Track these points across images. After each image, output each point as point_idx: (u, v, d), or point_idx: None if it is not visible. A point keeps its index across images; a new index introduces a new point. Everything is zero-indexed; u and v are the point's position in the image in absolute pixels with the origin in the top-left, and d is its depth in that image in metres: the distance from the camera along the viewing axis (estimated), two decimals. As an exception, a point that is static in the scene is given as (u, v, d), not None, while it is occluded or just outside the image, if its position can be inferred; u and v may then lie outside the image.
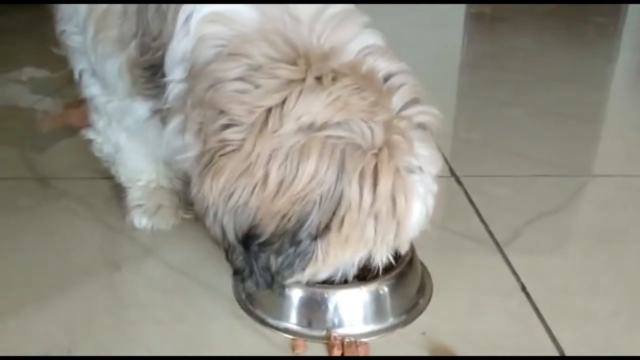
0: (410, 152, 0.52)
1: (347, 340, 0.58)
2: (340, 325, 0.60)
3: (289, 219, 0.50)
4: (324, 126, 0.49)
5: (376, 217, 0.51)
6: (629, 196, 0.91)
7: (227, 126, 0.51)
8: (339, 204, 0.50)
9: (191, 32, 0.55)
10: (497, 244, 0.77)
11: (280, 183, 0.49)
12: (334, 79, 0.50)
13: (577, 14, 2.20)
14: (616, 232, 0.80)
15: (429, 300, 0.65)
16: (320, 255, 0.53)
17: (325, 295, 0.60)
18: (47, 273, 0.70)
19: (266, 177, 0.49)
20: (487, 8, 2.35)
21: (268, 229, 0.51)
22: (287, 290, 0.61)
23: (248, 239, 0.52)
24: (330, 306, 0.60)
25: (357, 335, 0.59)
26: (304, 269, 0.54)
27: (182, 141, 0.56)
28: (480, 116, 1.23)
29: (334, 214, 0.50)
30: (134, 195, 0.79)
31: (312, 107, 0.49)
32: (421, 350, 0.58)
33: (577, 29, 2.05)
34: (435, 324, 0.62)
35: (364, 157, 0.49)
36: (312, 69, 0.50)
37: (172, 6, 0.57)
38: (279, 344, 0.59)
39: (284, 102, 0.49)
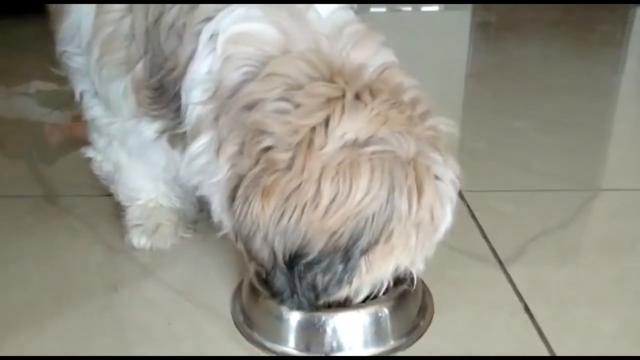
0: (440, 162, 0.54)
1: (345, 364, 0.57)
2: (339, 348, 0.59)
3: (341, 236, 0.50)
4: (368, 142, 0.50)
5: (418, 226, 0.53)
6: (636, 211, 0.89)
7: (271, 147, 0.51)
8: (390, 217, 0.51)
9: (218, 51, 0.55)
10: (499, 261, 0.75)
11: (333, 200, 0.50)
12: (372, 95, 0.52)
13: (583, 22, 2.19)
14: (623, 248, 0.79)
15: (430, 321, 0.64)
16: (364, 267, 0.54)
17: (324, 319, 0.59)
18: (46, 293, 0.70)
19: (317, 195, 0.49)
20: (492, 17, 2.35)
21: (317, 247, 0.51)
22: (284, 313, 0.60)
23: (295, 258, 0.52)
24: (329, 329, 0.59)
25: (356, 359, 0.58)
26: (350, 284, 0.55)
27: (210, 163, 0.57)
28: (486, 127, 1.22)
29: (384, 228, 0.51)
30: (133, 214, 0.79)
31: (356, 123, 0.50)
32: (421, 375, 0.57)
33: (583, 38, 2.03)
34: (436, 346, 0.61)
35: (407, 169, 0.51)
36: (350, 85, 0.52)
37: (189, 25, 0.57)
38: (277, 368, 0.59)
39: (327, 120, 0.50)
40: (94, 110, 0.71)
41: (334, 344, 0.59)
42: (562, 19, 2.25)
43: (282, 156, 0.50)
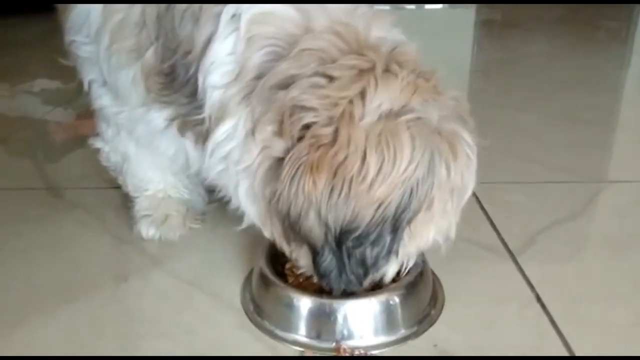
0: (464, 129, 0.55)
1: (356, 352, 0.56)
2: (349, 336, 0.58)
3: (388, 206, 0.51)
4: (403, 111, 0.51)
5: (452, 191, 0.54)
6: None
7: (313, 122, 0.51)
8: (432, 184, 0.52)
9: (242, 31, 0.55)
10: (510, 252, 0.75)
11: (379, 171, 0.50)
12: (400, 66, 0.53)
13: (588, 19, 2.18)
14: (634, 238, 0.78)
15: (441, 310, 0.64)
16: (406, 237, 0.54)
17: (335, 306, 0.58)
18: (54, 284, 0.70)
19: (363, 166, 0.50)
20: (497, 15, 2.34)
21: (365, 220, 0.51)
22: (295, 300, 0.60)
23: (344, 234, 0.52)
24: (340, 317, 0.58)
25: (367, 347, 0.58)
26: (397, 255, 0.55)
27: (236, 149, 0.56)
28: (492, 122, 1.21)
29: (426, 194, 0.52)
30: (141, 205, 0.79)
31: (390, 93, 0.51)
32: (433, 363, 0.57)
33: (588, 34, 2.03)
34: (447, 335, 0.60)
35: (442, 136, 0.52)
36: (379, 57, 0.53)
37: (206, 7, 0.57)
38: (287, 356, 0.58)
39: (363, 91, 0.51)
40: (102, 100, 0.71)
41: (345, 332, 0.58)
42: (567, 17, 2.24)
43: (325, 130, 0.50)
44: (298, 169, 0.51)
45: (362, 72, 0.52)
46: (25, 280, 0.71)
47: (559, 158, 1.03)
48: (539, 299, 0.66)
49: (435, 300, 0.65)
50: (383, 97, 0.51)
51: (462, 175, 0.54)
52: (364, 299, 0.59)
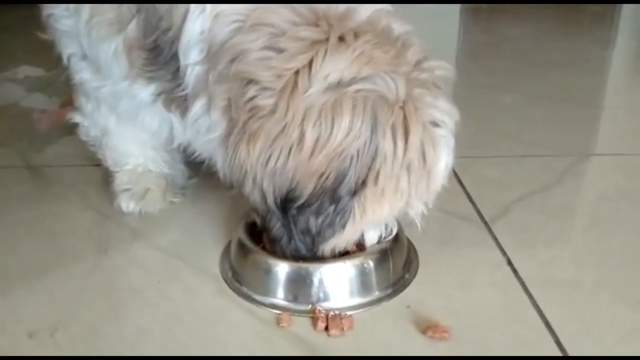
0: (433, 105, 0.53)
1: (331, 313, 0.58)
2: (325, 299, 0.60)
3: (327, 177, 0.51)
4: (352, 81, 0.51)
5: (409, 168, 0.53)
6: (620, 174, 0.90)
7: (256, 94, 0.52)
8: (374, 157, 0.51)
9: (207, 10, 0.55)
10: (484, 221, 0.76)
11: (316, 141, 0.50)
12: (356, 36, 0.52)
13: (573, 4, 2.19)
14: (605, 208, 0.80)
15: (415, 274, 0.65)
16: (357, 212, 0.54)
17: (310, 270, 0.60)
18: (36, 256, 0.71)
19: (302, 137, 0.50)
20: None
21: (306, 189, 0.51)
22: (272, 266, 0.61)
23: (287, 202, 0.53)
24: (315, 280, 0.60)
25: (342, 309, 0.59)
26: (344, 227, 0.55)
27: (209, 121, 0.57)
28: (474, 101, 1.22)
29: (369, 168, 0.51)
30: (121, 180, 0.80)
31: (339, 64, 0.51)
32: (406, 323, 0.58)
33: (573, 17, 2.04)
34: (420, 297, 0.62)
35: (393, 109, 0.51)
36: (334, 28, 0.52)
37: None
38: (265, 319, 0.59)
39: (310, 62, 0.51)
40: (82, 74, 0.71)
41: (321, 295, 0.60)
42: (552, 1, 2.25)
43: (267, 101, 0.51)
44: (238, 138, 0.52)
45: (313, 44, 0.51)
46: (7, 255, 0.72)
47: (537, 134, 1.04)
48: (510, 263, 0.68)
49: (410, 265, 0.66)
50: (331, 68, 0.50)
51: (421, 153, 0.52)
52: (339, 263, 0.60)
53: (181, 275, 0.67)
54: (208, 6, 0.55)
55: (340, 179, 0.51)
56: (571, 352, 0.54)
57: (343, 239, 0.58)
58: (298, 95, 0.50)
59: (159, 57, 0.60)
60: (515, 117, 1.14)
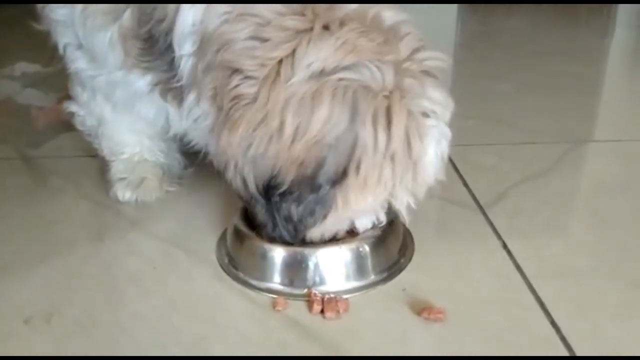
0: (423, 95, 0.52)
1: (327, 296, 0.58)
2: (321, 282, 0.60)
3: (307, 165, 0.51)
4: (334, 70, 0.50)
5: (392, 159, 0.52)
6: (615, 159, 0.91)
7: (240, 83, 0.52)
8: (354, 146, 0.51)
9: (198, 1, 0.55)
10: (480, 206, 0.77)
11: (296, 130, 0.50)
12: (342, 25, 0.51)
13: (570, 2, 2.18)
14: (601, 194, 0.80)
15: (411, 259, 0.65)
16: (340, 201, 0.54)
17: (306, 254, 0.60)
18: (31, 244, 0.71)
19: (282, 125, 0.50)
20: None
21: (287, 177, 0.51)
22: (268, 251, 0.61)
23: (269, 189, 0.53)
24: (311, 264, 0.60)
25: (338, 292, 0.59)
26: (325, 217, 0.55)
27: (200, 111, 0.57)
28: (470, 90, 1.22)
29: (350, 157, 0.51)
30: (117, 169, 0.80)
31: (322, 53, 0.50)
32: (401, 305, 0.58)
33: (570, 8, 2.03)
34: (416, 281, 0.62)
35: (376, 98, 0.50)
36: (320, 17, 0.51)
37: None
38: (261, 303, 0.59)
39: (294, 51, 0.50)
40: (78, 63, 0.70)
41: (317, 279, 0.60)
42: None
43: (249, 90, 0.51)
44: (221, 126, 0.52)
45: (298, 33, 0.51)
46: (2, 244, 0.72)
47: (534, 122, 1.04)
48: (505, 247, 0.68)
49: (405, 250, 0.66)
50: (314, 57, 0.50)
51: (406, 143, 0.51)
52: (334, 247, 0.61)
53: (178, 262, 0.67)
54: None
55: (319, 167, 0.51)
56: (566, 332, 0.54)
57: (328, 228, 0.57)
58: (280, 84, 0.50)
59: (154, 47, 0.60)
60: (510, 104, 1.14)
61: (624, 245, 0.68)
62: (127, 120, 0.76)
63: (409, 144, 0.52)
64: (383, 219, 0.61)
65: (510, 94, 1.21)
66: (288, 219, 0.55)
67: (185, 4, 0.56)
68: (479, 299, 0.59)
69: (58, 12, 0.67)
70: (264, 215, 0.56)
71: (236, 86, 0.52)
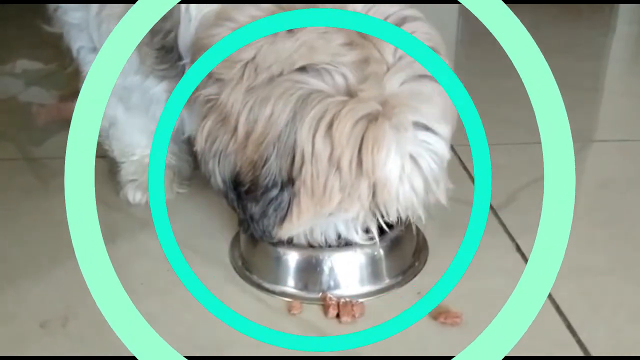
0: (385, 102, 0.48)
1: (342, 300, 0.58)
2: (336, 286, 0.60)
3: (258, 166, 0.52)
4: (288, 73, 0.50)
5: (338, 168, 0.49)
6: (626, 159, 0.91)
7: (210, 86, 0.53)
8: (293, 148, 0.49)
9: (192, 14, 0.57)
10: (492, 207, 0.77)
11: (247, 130, 0.51)
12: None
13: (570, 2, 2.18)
14: (613, 193, 0.81)
15: (425, 262, 0.65)
16: (295, 210, 0.53)
17: (320, 258, 0.60)
18: (43, 246, 0.71)
19: (236, 125, 0.51)
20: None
21: (247, 177, 0.52)
22: (283, 254, 0.61)
23: (236, 187, 0.54)
24: (326, 268, 0.60)
25: (352, 296, 0.59)
26: (281, 222, 0.54)
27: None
28: (476, 89, 1.21)
29: (292, 160, 0.50)
30: (127, 170, 0.79)
31: (281, 55, 0.49)
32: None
33: (572, 6, 2.03)
34: (431, 284, 0.62)
35: (323, 102, 0.48)
36: None
37: None
38: (275, 307, 0.60)
39: (256, 54, 0.51)
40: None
41: (331, 283, 0.60)
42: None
43: (216, 92, 0.53)
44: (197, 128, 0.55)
45: (266, 36, 0.51)
46: (14, 246, 0.71)
47: (540, 120, 1.04)
48: (518, 249, 0.68)
49: (420, 253, 0.66)
50: (273, 59, 0.50)
51: (355, 152, 0.47)
52: (349, 252, 0.61)
53: (190, 263, 0.67)
54: (192, 12, 0.56)
55: (266, 170, 0.51)
56: (582, 335, 0.55)
57: (293, 231, 0.56)
58: (240, 87, 0.51)
59: (167, 56, 0.61)
60: (517, 103, 1.13)
61: (638, 244, 0.68)
62: (139, 121, 0.75)
63: (359, 154, 0.48)
64: (374, 230, 0.57)
65: (516, 91, 1.20)
66: (250, 217, 0.55)
67: (184, 17, 0.57)
68: (493, 302, 0.59)
69: (72, 15, 0.67)
70: (241, 213, 0.57)
71: (207, 89, 0.54)
